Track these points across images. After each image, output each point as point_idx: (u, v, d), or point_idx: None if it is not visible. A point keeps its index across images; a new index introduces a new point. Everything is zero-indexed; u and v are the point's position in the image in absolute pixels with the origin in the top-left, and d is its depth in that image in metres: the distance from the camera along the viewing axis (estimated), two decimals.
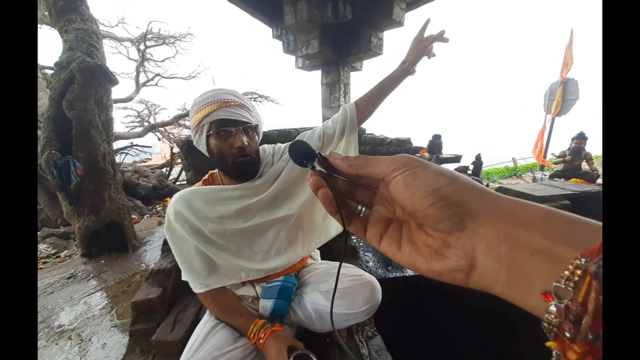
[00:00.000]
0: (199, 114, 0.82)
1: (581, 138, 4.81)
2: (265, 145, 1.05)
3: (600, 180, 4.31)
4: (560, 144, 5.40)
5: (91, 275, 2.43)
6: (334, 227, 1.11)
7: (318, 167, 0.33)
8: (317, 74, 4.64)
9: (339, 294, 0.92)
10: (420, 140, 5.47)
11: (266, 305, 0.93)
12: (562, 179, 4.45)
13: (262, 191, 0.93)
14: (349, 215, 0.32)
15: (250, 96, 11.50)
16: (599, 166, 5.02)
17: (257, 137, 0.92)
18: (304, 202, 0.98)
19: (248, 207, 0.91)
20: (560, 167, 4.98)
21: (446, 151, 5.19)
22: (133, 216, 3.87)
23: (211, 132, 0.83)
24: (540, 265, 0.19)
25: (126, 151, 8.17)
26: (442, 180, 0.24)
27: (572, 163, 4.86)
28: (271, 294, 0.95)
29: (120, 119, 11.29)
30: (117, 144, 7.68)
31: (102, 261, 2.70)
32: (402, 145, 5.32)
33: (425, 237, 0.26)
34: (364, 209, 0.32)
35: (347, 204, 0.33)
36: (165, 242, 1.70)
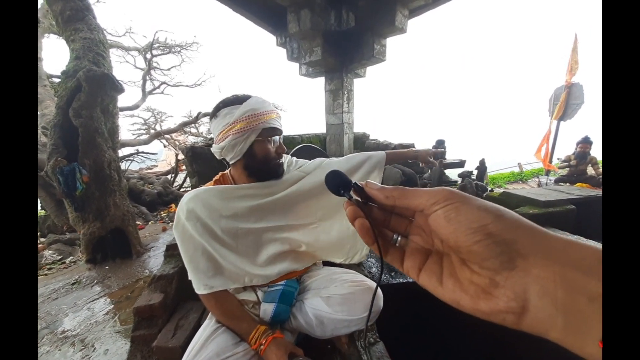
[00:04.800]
0: (254, 120, 0.87)
1: (586, 142, 4.78)
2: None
3: None
4: (567, 148, 5.36)
5: (95, 281, 2.44)
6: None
7: (354, 197, 0.33)
8: (321, 80, 4.68)
9: (340, 299, 0.92)
10: (424, 145, 5.44)
11: (267, 309, 0.93)
12: (568, 184, 4.41)
13: (276, 192, 0.98)
14: (385, 245, 0.31)
15: None
16: None
17: None
18: (318, 215, 1.03)
19: (261, 206, 0.95)
20: (565, 171, 4.95)
21: (450, 156, 5.16)
22: (137, 222, 3.89)
23: (261, 137, 0.89)
24: (600, 313, 0.18)
25: (132, 158, 8.25)
26: (488, 217, 0.23)
27: (577, 167, 4.82)
28: (272, 298, 0.95)
29: (127, 127, 11.48)
30: (122, 151, 7.77)
31: (107, 267, 2.72)
32: None
33: (470, 273, 0.25)
34: (399, 238, 0.31)
35: (383, 233, 0.32)
36: (167, 249, 1.70)
